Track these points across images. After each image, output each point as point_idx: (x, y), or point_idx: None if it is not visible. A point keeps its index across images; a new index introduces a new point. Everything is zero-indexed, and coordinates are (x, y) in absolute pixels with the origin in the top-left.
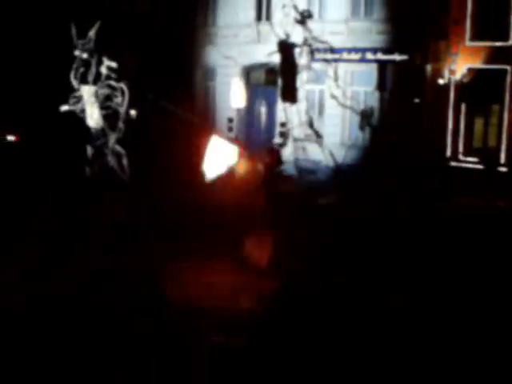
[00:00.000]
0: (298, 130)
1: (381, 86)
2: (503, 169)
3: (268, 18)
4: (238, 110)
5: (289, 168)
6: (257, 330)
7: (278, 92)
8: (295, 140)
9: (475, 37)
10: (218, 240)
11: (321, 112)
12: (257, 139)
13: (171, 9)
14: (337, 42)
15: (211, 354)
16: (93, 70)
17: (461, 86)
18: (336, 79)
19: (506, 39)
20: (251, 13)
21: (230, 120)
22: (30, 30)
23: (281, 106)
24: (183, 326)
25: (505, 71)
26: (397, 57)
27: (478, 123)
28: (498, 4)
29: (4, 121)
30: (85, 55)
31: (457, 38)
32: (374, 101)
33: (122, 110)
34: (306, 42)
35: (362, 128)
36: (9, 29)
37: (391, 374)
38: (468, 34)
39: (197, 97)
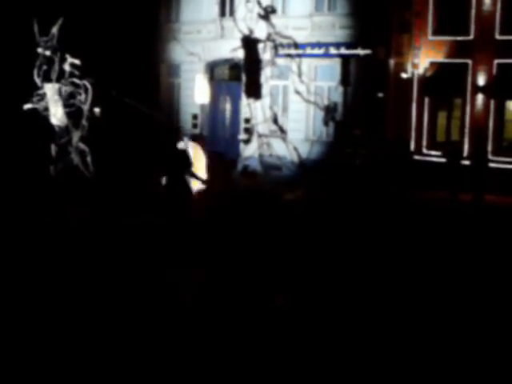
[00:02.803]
0: (262, 125)
1: (344, 80)
2: (466, 162)
3: (231, 13)
4: (203, 106)
5: (254, 164)
6: None
7: (243, 88)
8: (260, 136)
9: (437, 31)
10: None
11: (285, 108)
12: (221, 135)
13: (134, 4)
14: (300, 37)
15: None
16: (56, 67)
17: (424, 80)
18: (300, 74)
19: (468, 33)
20: (215, 8)
21: (195, 116)
22: None
23: (245, 102)
24: None
25: (466, 65)
26: (360, 51)
27: (441, 117)
28: None
29: None
30: (48, 52)
31: (419, 31)
32: (337, 96)
33: (86, 107)
34: (269, 38)
35: (326, 123)
36: None
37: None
38: (430, 28)
39: (161, 93)
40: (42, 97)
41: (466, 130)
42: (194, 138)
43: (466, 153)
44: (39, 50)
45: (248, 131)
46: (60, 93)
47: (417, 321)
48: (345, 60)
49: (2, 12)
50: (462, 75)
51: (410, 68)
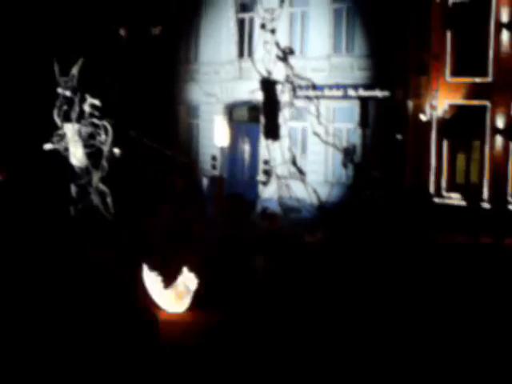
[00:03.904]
0: (281, 167)
1: (363, 122)
2: (486, 205)
3: (250, 54)
4: (222, 148)
5: (273, 206)
6: None
7: (261, 129)
8: (278, 177)
9: (455, 72)
10: None
11: (304, 149)
12: (240, 177)
13: (153, 45)
14: (319, 78)
15: None
16: (76, 107)
17: (442, 122)
18: (318, 116)
19: (486, 75)
20: (233, 49)
21: (214, 158)
22: (12, 68)
23: (264, 144)
24: None
25: (485, 107)
26: (378, 93)
27: (460, 159)
28: (478, 40)
29: None
30: (68, 93)
31: (437, 73)
32: (356, 137)
33: (106, 148)
34: (287, 79)
35: (345, 165)
36: None
37: None
38: (448, 70)
39: (180, 134)
40: (62, 137)
41: (485, 173)
42: (213, 179)
43: (485, 195)
44: (59, 90)
45: (267, 173)
46: (80, 133)
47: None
48: (363, 101)
49: (24, 52)
50: (480, 117)
51: (428, 110)
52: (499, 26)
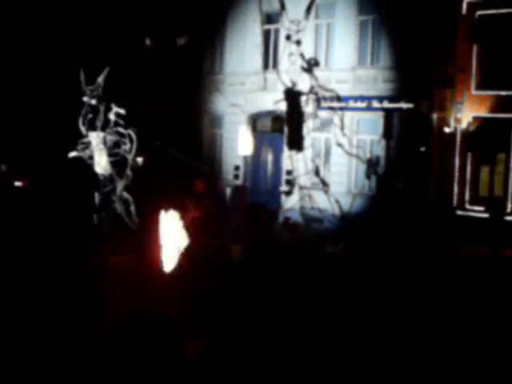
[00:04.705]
0: (304, 177)
1: (387, 134)
2: (510, 218)
3: (275, 66)
4: (245, 158)
5: (295, 216)
6: None
7: (285, 139)
8: (301, 188)
9: (481, 86)
10: None
11: (327, 160)
12: (263, 187)
13: (179, 56)
14: (343, 90)
15: None
16: (101, 116)
17: (467, 135)
18: (342, 127)
19: None
20: (258, 61)
21: (237, 167)
22: (38, 76)
23: (287, 154)
24: None
25: (510, 120)
26: (403, 105)
27: (485, 172)
28: (504, 53)
29: (12, 166)
30: (93, 101)
31: (463, 86)
32: (380, 149)
33: (130, 157)
34: (312, 90)
35: (368, 176)
36: (17, 73)
37: None
38: (474, 83)
39: (204, 143)
40: (87, 145)
41: (510, 186)
42: (236, 189)
43: (509, 208)
44: (85, 98)
45: (289, 183)
46: (105, 142)
47: None
48: (387, 113)
49: (49, 61)
50: (505, 130)
51: (452, 122)
52: None
